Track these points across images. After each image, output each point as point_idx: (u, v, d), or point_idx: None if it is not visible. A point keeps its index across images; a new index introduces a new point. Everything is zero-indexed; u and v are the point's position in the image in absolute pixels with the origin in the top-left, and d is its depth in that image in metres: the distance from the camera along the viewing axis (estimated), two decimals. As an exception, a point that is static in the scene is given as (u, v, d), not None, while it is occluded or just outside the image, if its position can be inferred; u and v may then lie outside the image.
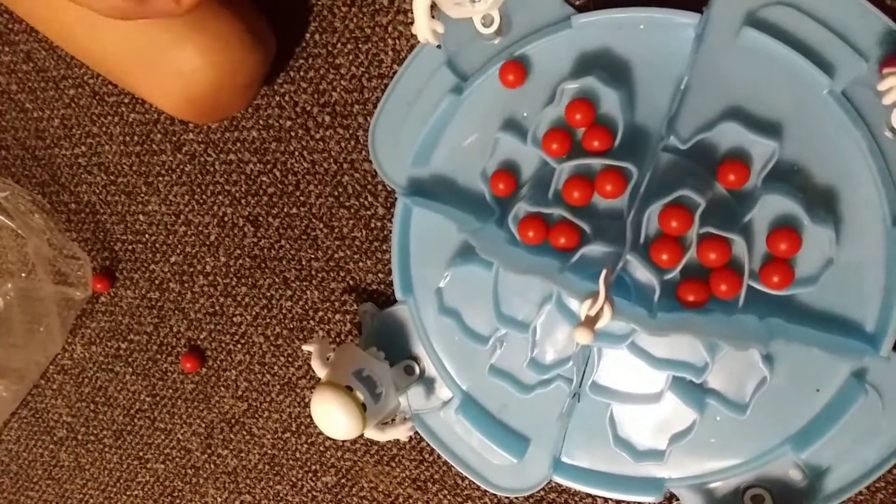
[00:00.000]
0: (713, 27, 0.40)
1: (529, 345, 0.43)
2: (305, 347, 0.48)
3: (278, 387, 0.58)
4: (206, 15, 0.45)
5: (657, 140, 0.40)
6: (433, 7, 0.43)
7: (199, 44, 0.44)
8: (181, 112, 0.48)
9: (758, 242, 0.39)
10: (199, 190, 0.58)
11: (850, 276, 0.40)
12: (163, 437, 0.63)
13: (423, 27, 0.42)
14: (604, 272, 0.32)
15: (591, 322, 0.31)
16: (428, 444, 0.51)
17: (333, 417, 0.44)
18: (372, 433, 0.47)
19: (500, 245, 0.42)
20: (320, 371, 0.47)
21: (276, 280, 0.56)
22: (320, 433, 0.51)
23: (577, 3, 0.45)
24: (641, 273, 0.38)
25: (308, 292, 0.55)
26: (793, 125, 0.39)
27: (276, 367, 0.58)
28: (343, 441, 0.56)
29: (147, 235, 0.60)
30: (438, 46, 0.46)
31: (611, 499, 0.48)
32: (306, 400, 0.57)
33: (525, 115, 0.44)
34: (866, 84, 0.39)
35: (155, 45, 0.44)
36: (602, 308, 0.33)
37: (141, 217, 0.60)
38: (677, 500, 0.46)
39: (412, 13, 0.43)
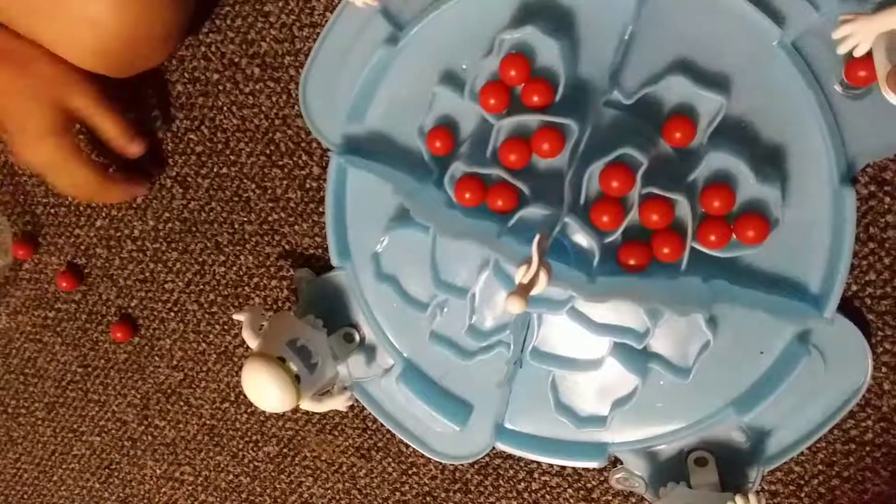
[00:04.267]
0: (660, -28, 0.37)
1: (468, 311, 0.41)
2: (236, 317, 0.46)
3: (215, 356, 0.55)
4: None
5: (600, 94, 0.38)
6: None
7: None
8: (91, 64, 0.44)
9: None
10: (122, 149, 0.54)
11: (796, 236, 0.38)
12: (97, 408, 0.61)
13: None
14: (536, 238, 0.30)
15: (523, 290, 0.30)
16: (371, 412, 0.50)
17: (265, 390, 0.42)
18: (308, 405, 0.45)
19: (438, 208, 0.40)
20: (252, 342, 0.45)
21: (208, 245, 0.53)
22: (259, 403, 0.49)
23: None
24: (581, 236, 0.36)
25: (242, 257, 0.53)
26: (741, 78, 0.37)
27: (211, 336, 0.55)
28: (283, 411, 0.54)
29: (70, 198, 0.57)
30: None
31: (555, 464, 0.48)
32: (244, 369, 0.55)
33: (464, 66, 0.42)
34: (817, 35, 0.37)
35: None
36: (536, 275, 0.31)
37: (62, 178, 0.56)
38: (621, 463, 0.45)
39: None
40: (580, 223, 0.36)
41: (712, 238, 0.36)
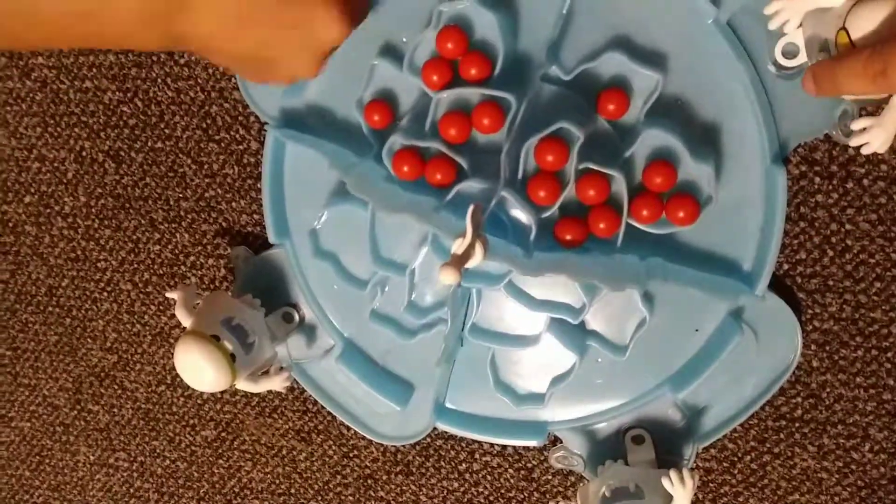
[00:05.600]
0: (599, -52, 0.37)
1: (407, 287, 0.40)
2: (169, 295, 0.44)
3: (150, 337, 0.54)
4: None
5: (539, 68, 0.38)
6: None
7: None
8: None
9: (637, 178, 0.37)
10: (52, 121, 0.52)
11: (729, 215, 0.39)
12: (27, 393, 0.58)
13: None
14: (470, 209, 0.30)
15: (457, 261, 0.29)
16: (311, 394, 0.49)
17: (199, 369, 0.41)
18: (244, 385, 0.44)
19: (376, 182, 0.39)
20: (185, 320, 0.43)
21: (143, 222, 0.51)
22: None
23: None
24: (518, 211, 0.36)
25: (177, 235, 0.51)
26: (677, 56, 0.38)
27: (146, 317, 0.53)
28: (221, 393, 0.53)
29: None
30: None
31: (496, 443, 0.48)
32: (181, 350, 0.53)
33: (404, 39, 0.41)
34: (752, 14, 0.37)
35: None
36: (472, 247, 0.31)
37: (-13, 152, 0.54)
38: (561, 442, 0.45)
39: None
40: (517, 198, 0.35)
41: (644, 213, 0.36)
